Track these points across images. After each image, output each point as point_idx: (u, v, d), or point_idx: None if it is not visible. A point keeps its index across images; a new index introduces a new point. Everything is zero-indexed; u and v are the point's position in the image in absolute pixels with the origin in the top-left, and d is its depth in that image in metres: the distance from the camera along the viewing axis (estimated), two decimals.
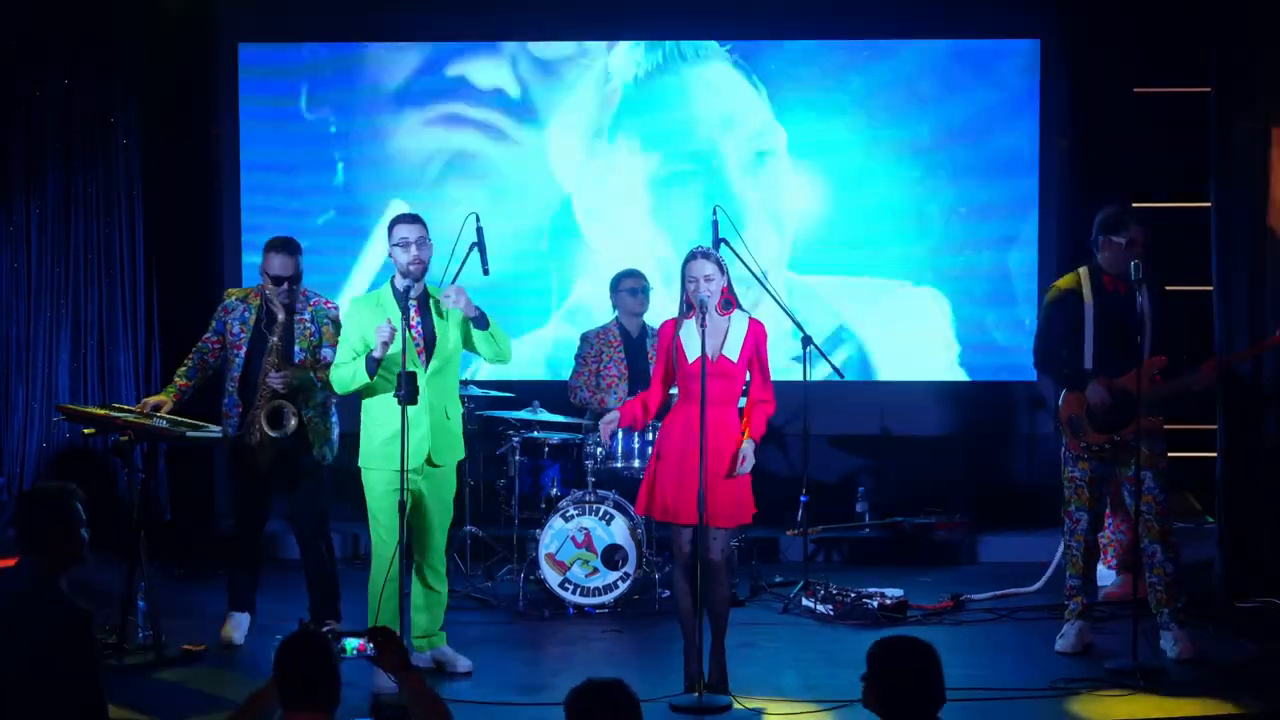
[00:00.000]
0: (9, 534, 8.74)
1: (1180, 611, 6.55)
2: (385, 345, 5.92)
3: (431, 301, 6.18)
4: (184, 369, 6.86)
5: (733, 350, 6.01)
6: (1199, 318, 8.05)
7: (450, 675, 6.26)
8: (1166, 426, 6.65)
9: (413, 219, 6.18)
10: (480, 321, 6.09)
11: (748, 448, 5.97)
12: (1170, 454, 6.65)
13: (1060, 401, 6.68)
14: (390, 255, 6.16)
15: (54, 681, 4.41)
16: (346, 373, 6.11)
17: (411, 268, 6.08)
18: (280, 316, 6.71)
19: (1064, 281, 6.76)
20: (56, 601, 4.53)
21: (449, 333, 6.16)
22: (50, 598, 4.55)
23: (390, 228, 6.18)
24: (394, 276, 6.18)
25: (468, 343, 6.23)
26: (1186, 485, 8.55)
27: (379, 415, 6.12)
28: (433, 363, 6.12)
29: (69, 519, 4.65)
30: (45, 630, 4.46)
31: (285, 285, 6.71)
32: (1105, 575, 7.79)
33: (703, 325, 5.88)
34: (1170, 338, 6.50)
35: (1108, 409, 6.47)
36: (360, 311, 6.19)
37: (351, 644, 4.27)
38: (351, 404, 6.46)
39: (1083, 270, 6.67)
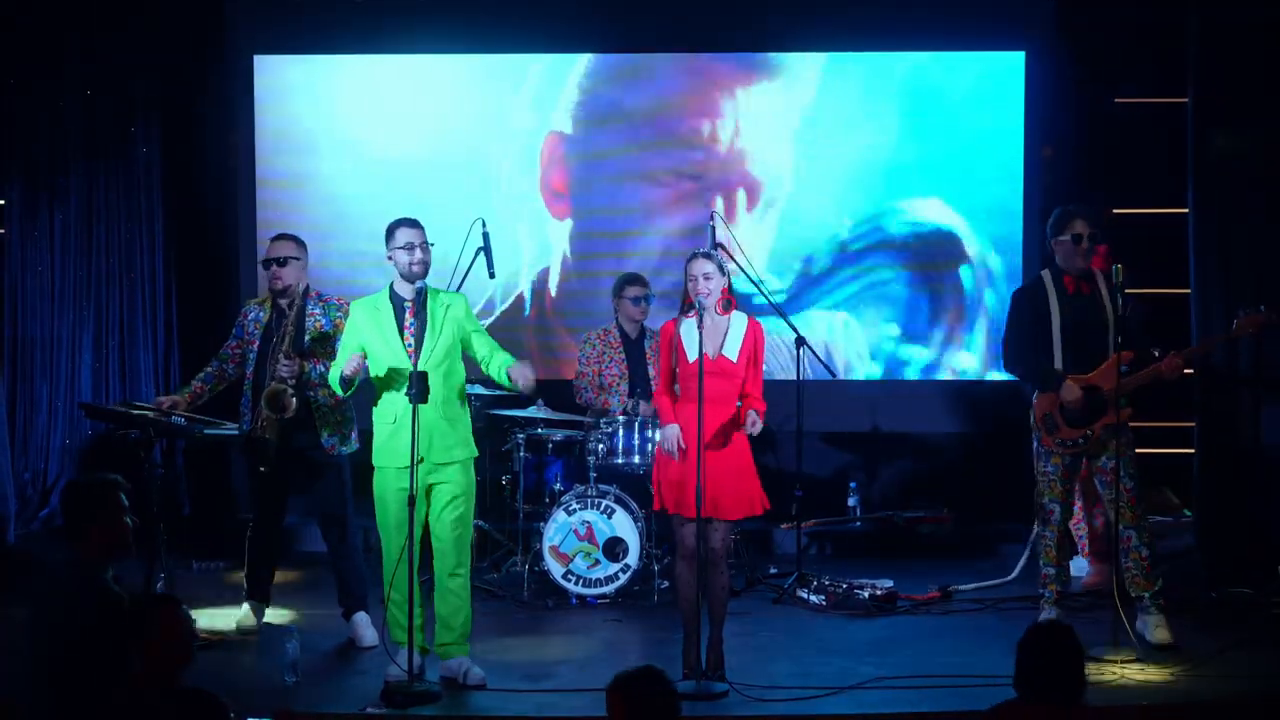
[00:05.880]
0: (33, 527, 8.98)
1: (1159, 595, 6.69)
2: (352, 372, 6.07)
3: (429, 303, 6.19)
4: (203, 373, 6.97)
5: (732, 350, 6.10)
6: (1178, 319, 8.26)
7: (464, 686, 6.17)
8: (1143, 424, 6.81)
9: (412, 223, 6.25)
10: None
11: (753, 415, 6.00)
12: (1149, 450, 6.83)
13: (1034, 401, 6.86)
14: (391, 259, 6.22)
15: (86, 663, 4.56)
16: (334, 376, 6.25)
17: (414, 269, 6.15)
18: (284, 302, 6.81)
19: (1028, 286, 6.92)
20: (92, 589, 4.67)
21: (439, 340, 6.16)
22: (85, 584, 4.67)
23: (390, 232, 6.24)
24: (394, 281, 6.26)
25: (469, 350, 6.27)
26: (1165, 480, 8.66)
27: (382, 414, 6.21)
28: (421, 364, 6.03)
29: (107, 508, 4.76)
30: (78, 616, 4.61)
31: (272, 268, 6.83)
32: (1080, 565, 7.97)
33: (701, 326, 5.99)
34: (1133, 331, 6.63)
35: (1081, 406, 6.65)
36: (360, 314, 6.27)
37: None
38: (365, 401, 6.57)
39: (1045, 273, 6.83)
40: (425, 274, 6.20)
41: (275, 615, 7.14)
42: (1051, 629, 4.36)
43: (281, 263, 6.86)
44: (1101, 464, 6.69)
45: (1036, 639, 4.31)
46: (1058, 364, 6.73)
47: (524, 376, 6.10)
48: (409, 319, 6.15)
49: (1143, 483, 6.81)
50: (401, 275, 6.22)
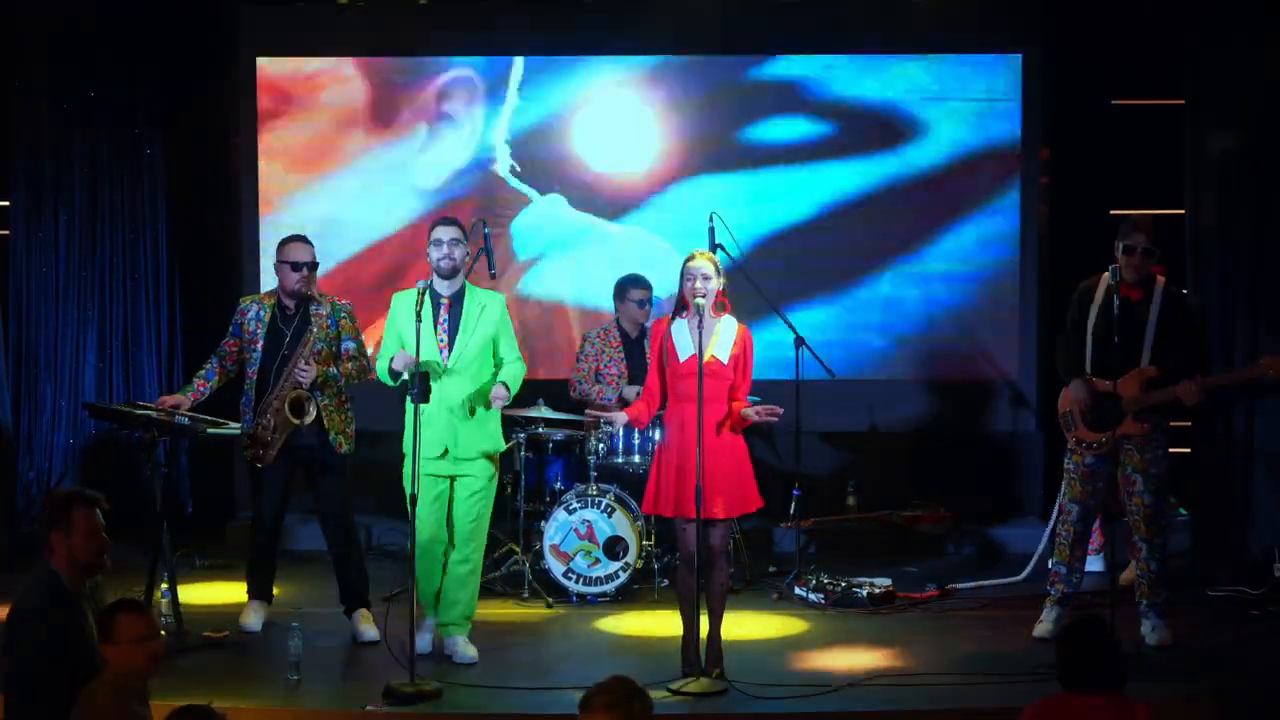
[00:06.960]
0: (36, 526, 9.01)
1: (1161, 604, 6.71)
2: (402, 367, 6.24)
3: (466, 301, 6.41)
4: (202, 371, 6.98)
5: (723, 352, 6.14)
6: None
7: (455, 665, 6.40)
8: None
9: (447, 221, 6.51)
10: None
11: (749, 411, 6.13)
12: None
13: (1060, 396, 6.86)
14: (427, 255, 6.45)
15: (51, 671, 4.59)
16: (381, 365, 6.44)
17: (441, 264, 6.37)
18: (290, 302, 6.85)
19: (1086, 282, 6.84)
20: (57, 600, 4.68)
21: (470, 339, 6.38)
22: (51, 596, 4.67)
23: (429, 230, 6.49)
24: (433, 276, 6.46)
25: (494, 348, 6.49)
26: None
27: (408, 410, 6.31)
28: (451, 361, 6.35)
29: (71, 523, 4.73)
30: (47, 627, 4.64)
31: (303, 271, 6.87)
32: (1091, 562, 8.00)
33: (700, 326, 6.05)
34: (1175, 350, 6.58)
35: (1092, 410, 6.64)
36: (399, 307, 6.48)
37: None
38: (369, 400, 6.62)
39: (1106, 273, 6.70)
40: (453, 271, 6.40)
41: (277, 613, 7.15)
42: (1080, 626, 4.54)
43: (312, 266, 6.92)
44: (1128, 474, 6.68)
45: (1070, 637, 4.52)
46: (1087, 364, 6.73)
47: (497, 396, 6.37)
48: (443, 315, 6.37)
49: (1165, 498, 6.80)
50: (433, 271, 6.42)
